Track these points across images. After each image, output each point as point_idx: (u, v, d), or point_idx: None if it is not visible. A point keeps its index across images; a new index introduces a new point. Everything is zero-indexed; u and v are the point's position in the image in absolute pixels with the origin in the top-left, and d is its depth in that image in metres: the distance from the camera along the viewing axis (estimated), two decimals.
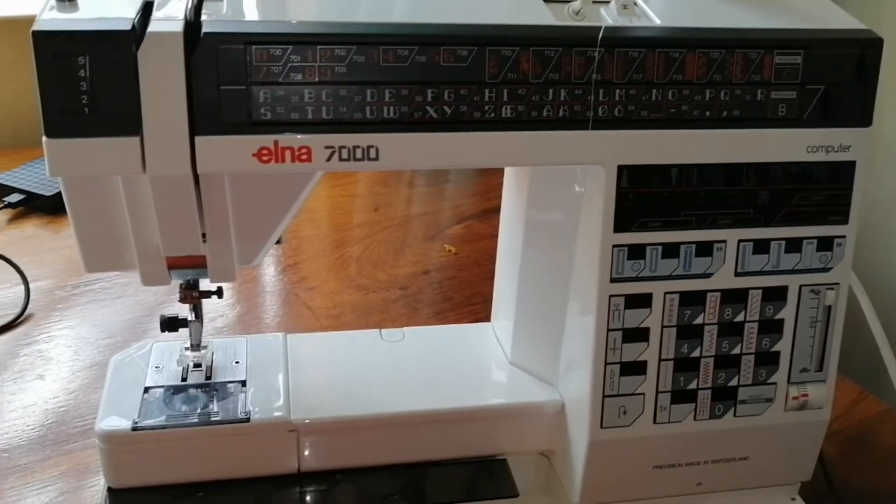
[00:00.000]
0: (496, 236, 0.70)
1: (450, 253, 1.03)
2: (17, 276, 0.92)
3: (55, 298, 0.90)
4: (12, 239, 1.01)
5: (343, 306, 0.91)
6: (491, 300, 0.73)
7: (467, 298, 0.94)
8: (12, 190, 1.08)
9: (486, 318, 0.74)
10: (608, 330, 0.57)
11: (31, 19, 0.46)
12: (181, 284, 0.59)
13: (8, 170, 1.11)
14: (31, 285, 0.91)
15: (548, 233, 0.62)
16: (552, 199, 0.61)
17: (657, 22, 0.54)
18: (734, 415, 0.60)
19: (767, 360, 0.59)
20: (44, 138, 0.46)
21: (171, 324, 0.62)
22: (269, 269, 0.98)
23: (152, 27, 0.46)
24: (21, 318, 0.86)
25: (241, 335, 0.77)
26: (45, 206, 1.06)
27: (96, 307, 0.89)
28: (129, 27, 0.45)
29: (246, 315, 0.89)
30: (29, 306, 0.88)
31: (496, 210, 0.70)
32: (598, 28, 0.51)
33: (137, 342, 0.81)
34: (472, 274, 0.98)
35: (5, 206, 1.06)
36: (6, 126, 1.28)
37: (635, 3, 0.55)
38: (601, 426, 0.58)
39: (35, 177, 1.09)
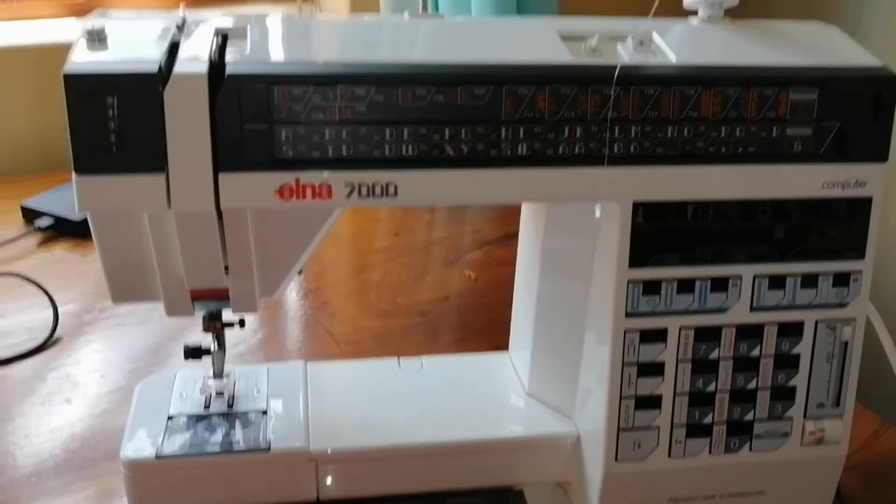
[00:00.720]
0: (516, 261, 0.71)
1: (469, 279, 1.04)
2: (45, 299, 0.94)
3: (83, 322, 0.92)
4: (42, 262, 1.03)
5: (363, 332, 0.92)
6: (510, 327, 0.74)
7: (486, 325, 0.94)
8: (41, 214, 1.10)
9: (506, 345, 0.75)
10: (623, 364, 0.57)
11: (57, 47, 0.48)
12: (204, 315, 0.61)
13: (37, 194, 1.14)
14: (59, 309, 0.92)
15: (564, 264, 0.63)
16: (569, 229, 0.62)
17: (673, 59, 0.55)
18: (749, 449, 0.60)
19: (783, 395, 0.59)
20: (73, 175, 0.48)
21: (194, 352, 0.63)
22: (291, 295, 0.99)
23: (178, 68, 0.47)
24: (49, 342, 0.88)
25: (262, 362, 0.78)
26: (74, 231, 1.08)
27: (122, 331, 0.90)
28: (155, 69, 0.47)
29: (268, 340, 0.90)
30: (57, 330, 0.90)
31: (516, 235, 0.70)
32: (614, 66, 0.52)
33: (161, 366, 0.83)
34: (492, 300, 0.99)
35: (35, 230, 1.08)
36: (35, 151, 1.30)
37: (651, 40, 0.56)
38: (616, 459, 0.59)
39: (64, 201, 1.11)
